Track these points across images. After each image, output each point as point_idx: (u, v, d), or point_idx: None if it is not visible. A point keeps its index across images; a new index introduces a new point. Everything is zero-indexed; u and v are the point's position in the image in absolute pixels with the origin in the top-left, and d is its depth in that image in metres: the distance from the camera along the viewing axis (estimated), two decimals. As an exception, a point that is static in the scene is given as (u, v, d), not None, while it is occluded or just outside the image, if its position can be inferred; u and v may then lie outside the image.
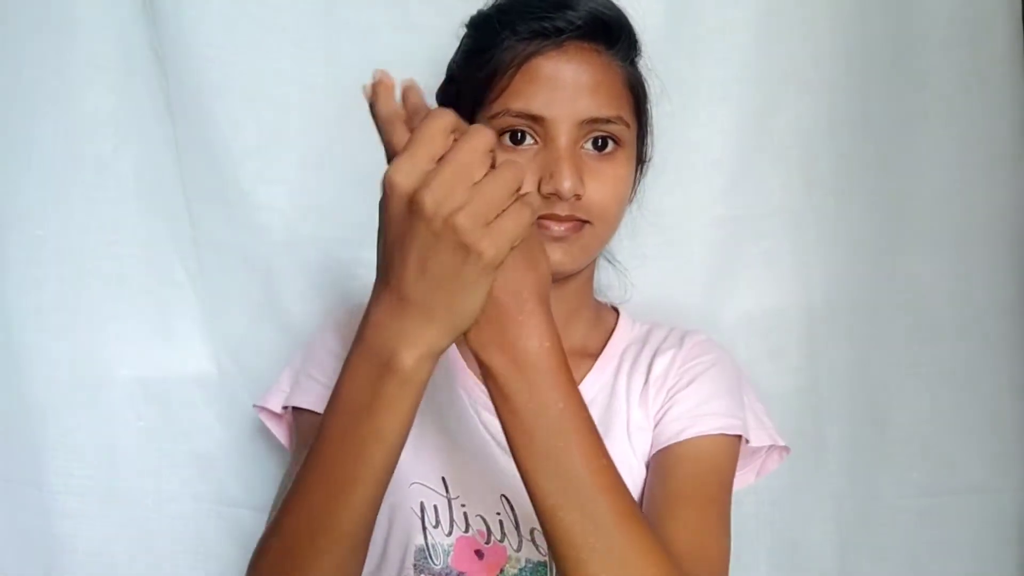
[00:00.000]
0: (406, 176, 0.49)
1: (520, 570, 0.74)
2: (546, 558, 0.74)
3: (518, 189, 0.50)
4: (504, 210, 0.49)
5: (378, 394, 0.52)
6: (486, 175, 0.49)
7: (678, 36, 0.96)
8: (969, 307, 0.98)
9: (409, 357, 0.51)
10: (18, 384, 0.98)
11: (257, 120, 0.96)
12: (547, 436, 0.54)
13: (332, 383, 0.60)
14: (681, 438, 0.75)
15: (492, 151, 0.50)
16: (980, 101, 0.96)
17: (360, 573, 0.59)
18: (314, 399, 0.78)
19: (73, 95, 0.96)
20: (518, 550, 0.74)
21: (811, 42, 0.97)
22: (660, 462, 0.75)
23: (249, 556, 1.04)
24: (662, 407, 0.78)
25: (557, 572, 0.56)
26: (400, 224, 0.50)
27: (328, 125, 0.97)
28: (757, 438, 0.80)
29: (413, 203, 0.48)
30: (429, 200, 0.48)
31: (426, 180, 0.48)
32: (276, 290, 0.99)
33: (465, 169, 0.48)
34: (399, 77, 0.96)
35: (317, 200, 0.98)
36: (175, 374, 1.00)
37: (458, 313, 0.51)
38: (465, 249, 0.48)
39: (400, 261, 0.50)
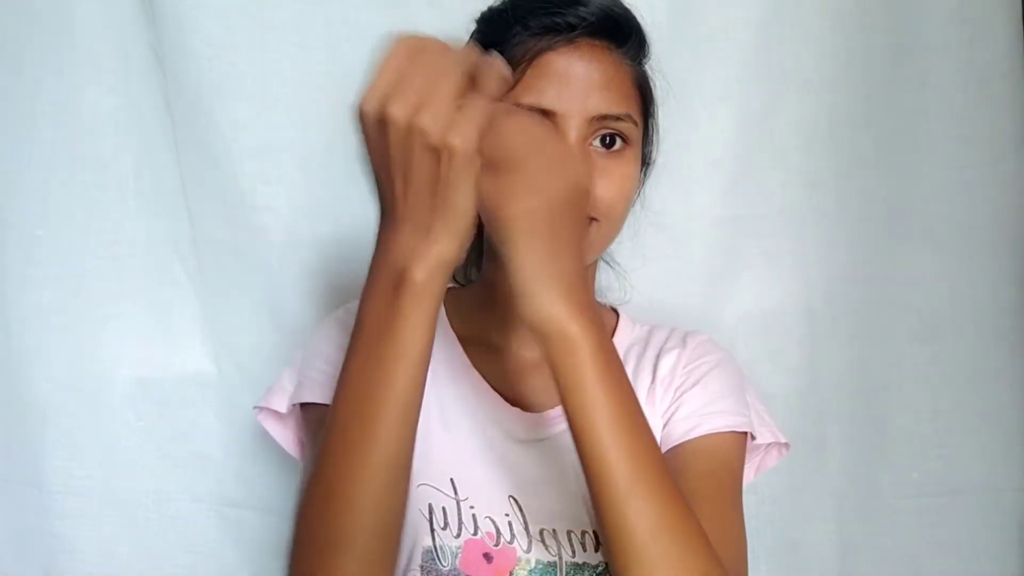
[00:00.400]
0: (371, 102, 0.52)
1: (530, 572, 0.73)
2: (556, 558, 0.74)
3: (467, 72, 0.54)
4: (461, 105, 0.52)
5: (395, 312, 0.56)
6: (436, 75, 0.52)
7: (680, 36, 0.96)
8: (969, 307, 0.98)
9: (419, 270, 0.55)
10: (18, 384, 0.98)
11: (257, 120, 0.96)
12: (622, 416, 0.57)
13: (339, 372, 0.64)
14: (691, 436, 0.75)
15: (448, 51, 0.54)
16: (980, 101, 0.96)
17: (404, 506, 0.60)
18: (321, 392, 0.76)
19: (73, 95, 0.96)
20: (528, 551, 0.73)
21: (812, 42, 0.97)
22: (671, 461, 0.75)
23: (248, 556, 1.04)
24: (670, 407, 0.78)
25: (612, 566, 0.57)
26: (379, 148, 0.53)
27: (328, 125, 0.97)
28: (761, 435, 0.81)
29: (382, 123, 0.52)
30: (394, 113, 0.51)
31: (388, 98, 0.52)
32: (276, 290, 0.99)
33: (418, 77, 0.52)
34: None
35: (316, 200, 0.98)
36: (175, 374, 1.00)
37: (454, 217, 0.54)
38: (435, 149, 0.52)
39: (388, 182, 0.54)
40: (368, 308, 0.57)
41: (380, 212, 0.57)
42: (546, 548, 0.73)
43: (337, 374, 0.69)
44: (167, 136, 0.98)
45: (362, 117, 0.53)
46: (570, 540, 0.74)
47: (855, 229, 0.99)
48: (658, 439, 0.77)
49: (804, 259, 1.00)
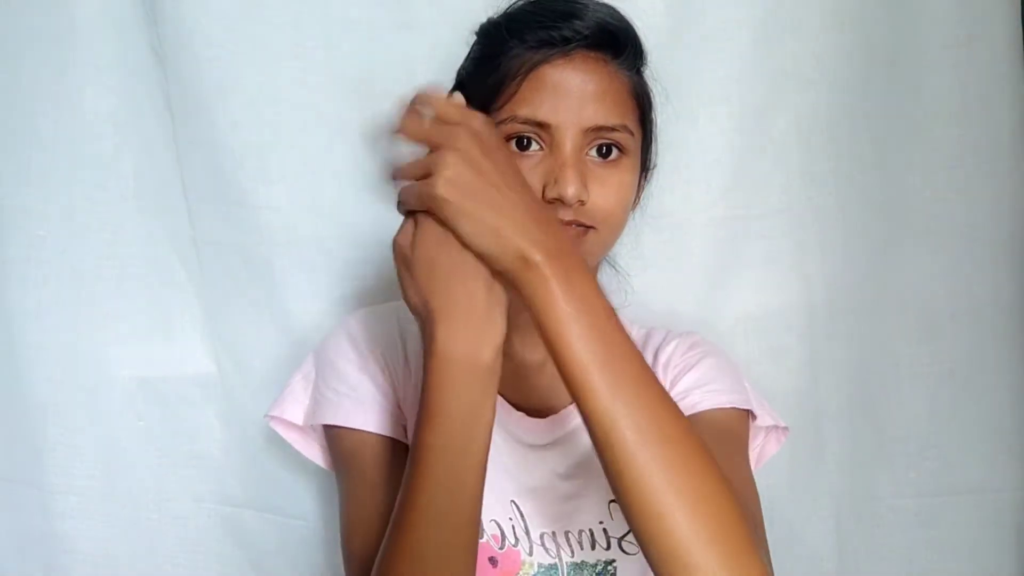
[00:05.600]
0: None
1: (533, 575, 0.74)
2: (555, 560, 0.75)
3: None
4: None
5: (477, 394, 0.60)
6: None
7: (678, 35, 0.96)
8: (968, 307, 0.98)
9: (488, 354, 0.60)
10: (18, 384, 0.98)
11: (257, 120, 0.96)
12: (595, 328, 0.59)
13: (356, 393, 0.73)
14: (695, 411, 0.78)
15: None
16: (980, 101, 0.96)
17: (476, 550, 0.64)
18: (345, 414, 0.77)
19: (73, 95, 0.96)
20: (530, 554, 0.75)
21: (811, 41, 0.97)
22: None
23: (249, 555, 1.04)
24: (670, 389, 0.79)
25: (611, 484, 0.58)
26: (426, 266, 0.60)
27: (328, 125, 0.97)
28: (761, 417, 0.83)
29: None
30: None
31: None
32: (276, 290, 0.99)
33: None
34: (398, 76, 0.96)
35: (317, 200, 0.98)
36: (175, 374, 1.00)
37: (499, 302, 0.61)
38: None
39: (444, 291, 0.60)
40: (441, 399, 0.59)
41: (429, 319, 0.60)
42: (546, 551, 0.75)
43: (353, 394, 0.75)
44: (167, 136, 0.98)
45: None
46: (568, 541, 0.75)
47: (854, 229, 0.99)
48: None
49: (804, 259, 1.00)
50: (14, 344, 0.97)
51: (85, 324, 0.98)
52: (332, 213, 0.98)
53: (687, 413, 0.75)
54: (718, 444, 0.73)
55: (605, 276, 0.93)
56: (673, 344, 0.85)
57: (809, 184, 0.99)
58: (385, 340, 0.81)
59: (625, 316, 0.88)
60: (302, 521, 1.01)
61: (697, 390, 0.79)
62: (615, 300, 0.93)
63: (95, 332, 0.99)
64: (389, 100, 0.95)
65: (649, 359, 0.83)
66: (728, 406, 0.79)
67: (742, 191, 0.99)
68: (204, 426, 1.01)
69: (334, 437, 0.79)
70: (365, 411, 0.76)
